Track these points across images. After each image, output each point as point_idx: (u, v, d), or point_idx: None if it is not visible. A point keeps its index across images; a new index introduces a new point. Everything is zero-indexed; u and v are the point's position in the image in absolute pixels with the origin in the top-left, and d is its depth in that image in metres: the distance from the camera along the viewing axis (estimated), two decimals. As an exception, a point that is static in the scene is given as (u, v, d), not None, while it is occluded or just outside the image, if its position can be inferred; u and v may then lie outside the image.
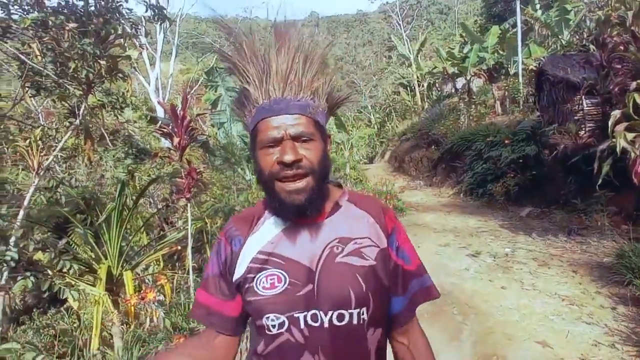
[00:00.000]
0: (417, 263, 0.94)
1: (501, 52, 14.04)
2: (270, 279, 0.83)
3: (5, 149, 3.13)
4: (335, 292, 0.82)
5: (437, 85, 20.26)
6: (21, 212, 2.74)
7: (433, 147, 12.81)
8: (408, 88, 22.20)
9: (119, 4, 3.23)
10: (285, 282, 0.82)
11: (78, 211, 4.31)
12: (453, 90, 16.94)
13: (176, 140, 3.42)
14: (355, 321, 0.82)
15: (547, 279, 4.21)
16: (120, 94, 3.20)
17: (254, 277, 0.84)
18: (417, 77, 21.08)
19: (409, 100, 21.48)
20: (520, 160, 7.86)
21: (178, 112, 3.35)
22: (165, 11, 3.64)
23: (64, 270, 2.88)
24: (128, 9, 3.30)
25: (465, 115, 12.63)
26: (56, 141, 3.19)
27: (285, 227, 0.87)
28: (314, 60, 0.89)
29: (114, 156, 3.77)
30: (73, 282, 2.88)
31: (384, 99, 25.82)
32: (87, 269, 3.38)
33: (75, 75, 2.84)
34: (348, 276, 0.83)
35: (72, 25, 2.82)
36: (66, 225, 4.12)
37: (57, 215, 4.05)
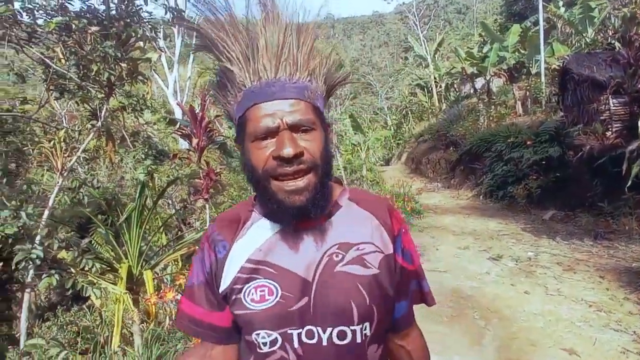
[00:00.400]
0: (418, 264, 0.86)
1: (522, 51, 13.76)
2: (260, 291, 0.73)
3: (31, 150, 3.22)
4: (336, 306, 0.72)
5: (455, 85, 20.01)
6: (46, 212, 2.82)
7: (451, 148, 12.65)
8: (425, 89, 22.00)
9: (139, 7, 3.30)
10: (276, 295, 0.72)
11: (100, 211, 4.42)
12: (472, 91, 16.70)
13: (195, 141, 3.47)
14: (358, 339, 0.73)
15: (573, 284, 4.09)
16: (140, 96, 3.25)
17: (242, 288, 0.75)
18: (435, 78, 20.87)
19: (426, 102, 21.28)
20: (543, 162, 7.67)
21: (196, 113, 3.39)
22: (183, 14, 3.70)
23: (87, 268, 2.96)
24: (147, 11, 3.37)
25: (484, 116, 12.42)
26: (79, 143, 3.26)
27: (277, 232, 0.76)
28: (309, 33, 0.76)
29: (134, 157, 3.85)
30: (95, 281, 2.94)
31: (401, 100, 25.66)
32: (108, 268, 3.46)
33: (97, 77, 2.91)
34: (349, 288, 0.73)
35: (94, 28, 2.89)
36: (89, 225, 4.23)
37: (80, 216, 4.17)
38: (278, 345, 0.73)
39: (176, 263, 4.31)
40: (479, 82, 15.88)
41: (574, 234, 5.77)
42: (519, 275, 4.45)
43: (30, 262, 2.48)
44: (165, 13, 3.65)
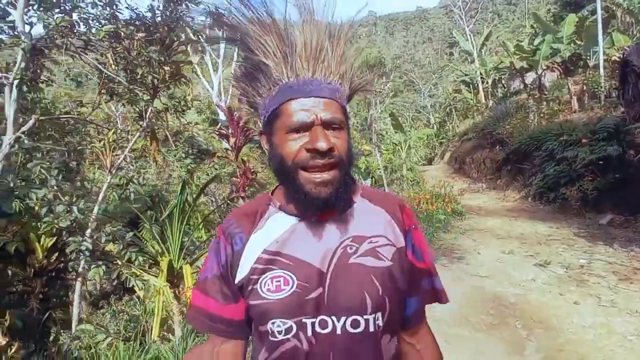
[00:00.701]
0: (430, 262, 0.89)
1: (578, 43, 12.84)
2: (276, 281, 0.77)
3: (86, 149, 3.47)
4: (349, 296, 0.76)
5: (502, 81, 19.11)
6: (96, 207, 3.02)
7: (497, 147, 12.09)
8: (470, 85, 21.19)
9: (182, 12, 3.45)
10: (292, 285, 0.76)
11: (148, 208, 4.69)
12: (521, 87, 15.86)
13: (232, 140, 3.58)
14: (371, 328, 0.77)
15: (630, 295, 3.77)
16: (183, 98, 3.40)
17: (258, 278, 0.78)
18: (481, 74, 20.04)
19: (471, 99, 20.49)
20: (601, 162, 7.13)
21: (234, 113, 3.49)
22: (223, 15, 3.81)
23: (132, 260, 3.14)
24: (190, 16, 3.51)
25: (534, 113, 11.75)
26: (127, 143, 3.47)
27: (293, 224, 0.81)
28: (341, 39, 0.82)
29: (174, 156, 4.03)
30: (138, 273, 3.12)
31: (444, 97, 24.92)
32: (152, 262, 3.66)
33: (143, 80, 3.08)
34: (363, 278, 0.77)
35: (140, 35, 3.06)
36: (138, 221, 4.50)
37: (130, 212, 4.44)
38: (292, 333, 0.76)
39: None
40: (529, 77, 15.04)
41: (634, 241, 5.31)
42: (569, 284, 4.16)
43: (81, 254, 2.67)
44: (206, 18, 3.80)
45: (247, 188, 3.89)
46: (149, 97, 3.35)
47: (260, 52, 0.79)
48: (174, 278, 3.60)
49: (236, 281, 0.81)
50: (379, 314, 0.77)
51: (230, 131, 3.88)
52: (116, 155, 3.19)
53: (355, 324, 0.76)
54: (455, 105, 22.48)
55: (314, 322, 0.76)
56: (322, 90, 0.77)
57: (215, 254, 0.84)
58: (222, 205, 5.95)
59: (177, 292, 3.37)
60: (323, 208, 0.76)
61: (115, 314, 3.84)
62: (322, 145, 0.72)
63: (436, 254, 5.55)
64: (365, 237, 0.80)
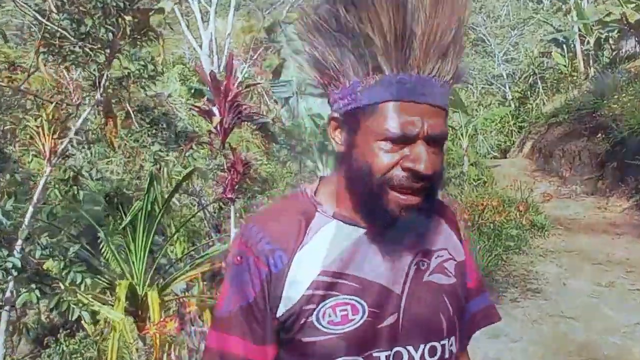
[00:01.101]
0: (479, 278, 1.06)
1: None
2: (342, 311, 0.82)
3: (17, 129, 3.50)
4: (427, 320, 0.87)
5: (610, 41, 18.49)
6: (30, 209, 3.03)
7: (599, 135, 11.73)
8: (564, 47, 20.62)
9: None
10: (363, 313, 0.83)
11: (107, 212, 4.72)
12: (637, 49, 15.28)
13: (216, 119, 3.53)
14: (446, 354, 0.89)
15: None
16: (150, 59, 3.38)
17: (315, 309, 0.82)
18: (579, 30, 19.42)
19: (564, 65, 19.94)
20: None
21: (219, 82, 3.44)
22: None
23: (78, 283, 3.15)
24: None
25: (656, 87, 11.31)
26: (76, 121, 3.48)
27: (357, 237, 0.87)
28: (462, 25, 0.87)
29: (136, 140, 4.02)
30: (86, 301, 3.13)
31: (527, 63, 24.33)
32: (108, 286, 3.67)
33: (95, 35, 3.06)
34: (437, 299, 0.89)
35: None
36: (95, 230, 4.52)
37: (81, 217, 4.47)
38: None
39: (197, 282, 4.49)
40: (650, 36, 14.48)
41: None
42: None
43: (7, 273, 2.68)
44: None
45: (237, 186, 3.84)
46: (104, 59, 3.34)
47: (368, 23, 0.80)
48: (138, 309, 3.61)
49: (278, 314, 0.84)
50: (452, 339, 0.90)
51: (215, 107, 3.83)
52: (59, 138, 3.20)
53: (433, 352, 0.87)
54: (542, 75, 21.95)
55: (389, 356, 0.84)
56: (436, 96, 0.81)
57: (239, 280, 0.87)
58: (211, 210, 5.96)
59: (141, 328, 3.37)
60: (401, 230, 0.86)
61: (65, 356, 3.88)
62: (426, 169, 0.79)
63: (503, 284, 5.54)
64: (432, 251, 0.92)
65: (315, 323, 0.82)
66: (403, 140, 0.79)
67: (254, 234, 0.88)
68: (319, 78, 0.90)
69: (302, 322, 0.83)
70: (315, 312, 0.82)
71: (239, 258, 0.88)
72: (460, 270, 0.95)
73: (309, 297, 0.83)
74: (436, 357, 0.87)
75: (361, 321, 0.82)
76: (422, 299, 0.87)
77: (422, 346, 0.86)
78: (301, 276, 0.84)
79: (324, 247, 0.85)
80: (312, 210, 0.89)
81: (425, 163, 0.78)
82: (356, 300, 0.83)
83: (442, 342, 0.88)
